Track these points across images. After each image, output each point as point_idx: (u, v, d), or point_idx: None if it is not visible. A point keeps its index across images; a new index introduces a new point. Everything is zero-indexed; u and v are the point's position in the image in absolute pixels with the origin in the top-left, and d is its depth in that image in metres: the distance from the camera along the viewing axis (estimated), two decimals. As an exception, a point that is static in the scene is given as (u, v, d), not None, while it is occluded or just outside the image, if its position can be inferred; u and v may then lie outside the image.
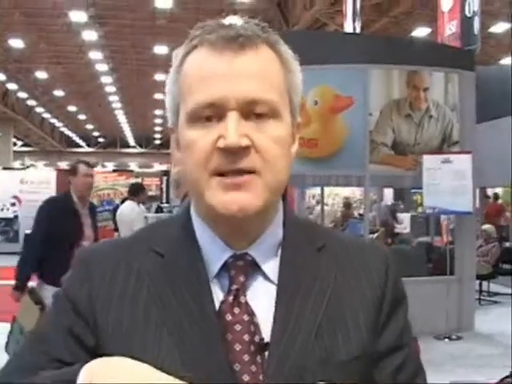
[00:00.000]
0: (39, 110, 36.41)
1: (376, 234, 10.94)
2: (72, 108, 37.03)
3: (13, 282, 5.63)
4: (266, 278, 1.11)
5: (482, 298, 11.23)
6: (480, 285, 11.28)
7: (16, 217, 20.22)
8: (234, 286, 1.09)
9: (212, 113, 1.03)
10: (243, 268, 1.10)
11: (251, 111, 1.04)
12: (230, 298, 1.08)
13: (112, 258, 1.15)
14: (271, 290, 1.10)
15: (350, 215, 15.52)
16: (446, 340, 8.36)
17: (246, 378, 1.03)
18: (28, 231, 18.11)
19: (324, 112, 8.44)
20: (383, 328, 1.13)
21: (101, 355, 1.03)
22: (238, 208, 1.02)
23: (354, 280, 1.14)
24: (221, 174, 1.03)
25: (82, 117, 39.77)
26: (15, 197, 20.31)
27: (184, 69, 1.09)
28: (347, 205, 16.03)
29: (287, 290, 1.09)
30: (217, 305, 1.07)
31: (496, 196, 16.28)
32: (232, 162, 1.02)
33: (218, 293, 1.09)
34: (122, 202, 11.25)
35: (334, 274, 1.13)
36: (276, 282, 1.11)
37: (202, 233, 1.14)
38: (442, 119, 8.78)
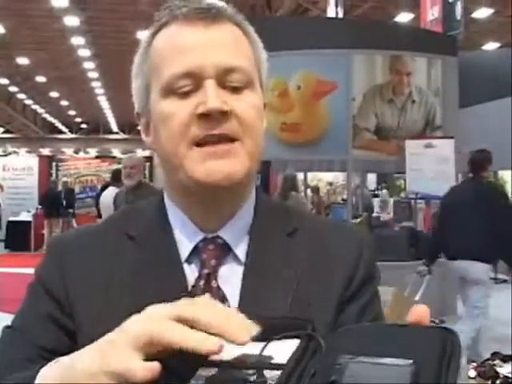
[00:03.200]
0: (21, 96, 36.08)
1: (359, 219, 10.94)
2: (54, 94, 36.74)
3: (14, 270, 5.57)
4: (238, 260, 1.09)
5: (464, 282, 11.28)
6: (462, 269, 11.34)
7: (-2, 204, 20.12)
8: (205, 271, 1.07)
9: (188, 83, 1.02)
10: (214, 252, 1.08)
11: (227, 81, 1.03)
12: (201, 283, 1.06)
13: (85, 244, 1.13)
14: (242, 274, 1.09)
15: (320, 201, 15.24)
16: (429, 324, 8.40)
17: None
18: (12, 218, 17.94)
19: (307, 97, 8.43)
20: (346, 304, 1.10)
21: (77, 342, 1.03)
22: (223, 175, 1.01)
23: (326, 263, 1.11)
24: (200, 145, 1.02)
25: (64, 103, 39.49)
26: (-3, 184, 20.23)
27: (154, 46, 1.08)
28: (315, 190, 15.73)
29: (254, 273, 1.08)
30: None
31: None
32: (212, 129, 1.00)
33: (189, 277, 1.07)
34: (103, 188, 11.19)
35: (305, 258, 1.10)
36: None
37: (175, 216, 1.12)
38: (424, 104, 8.80)
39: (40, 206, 17.91)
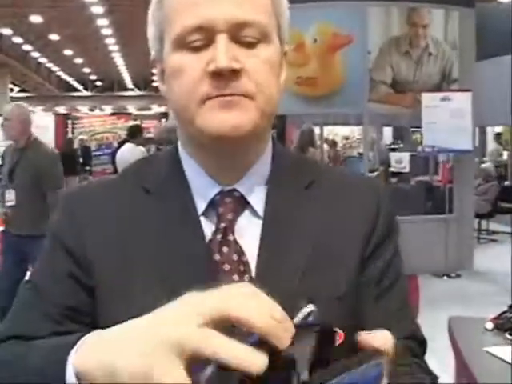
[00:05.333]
0: (35, 54, 36.00)
1: (376, 173, 10.93)
2: (68, 52, 36.60)
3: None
4: (256, 214, 1.09)
5: (480, 236, 11.32)
6: (479, 223, 11.36)
7: (15, 163, 20.17)
8: (222, 224, 1.06)
9: (200, 38, 0.99)
10: (231, 205, 1.08)
11: (240, 36, 1.00)
12: (218, 237, 1.05)
13: (99, 197, 1.13)
14: (260, 227, 1.08)
15: (338, 156, 15.14)
16: (445, 278, 8.44)
17: None
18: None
19: (323, 50, 8.36)
20: (368, 260, 1.10)
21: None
22: (231, 126, 0.99)
23: (343, 216, 1.10)
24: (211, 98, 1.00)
25: (78, 61, 39.35)
26: (14, 143, 20.28)
27: None
28: (332, 144, 15.59)
29: (272, 227, 1.07)
30: None
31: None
32: (223, 87, 0.98)
33: (205, 231, 1.06)
34: (120, 144, 11.18)
35: (323, 211, 1.10)
36: None
37: (190, 169, 1.11)
38: (441, 57, 8.70)
39: (56, 164, 17.95)
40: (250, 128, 1.01)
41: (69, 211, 1.11)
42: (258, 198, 1.09)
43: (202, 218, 1.08)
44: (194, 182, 1.10)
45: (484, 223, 11.69)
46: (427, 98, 8.35)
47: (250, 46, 1.01)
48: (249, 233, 1.07)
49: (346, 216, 1.11)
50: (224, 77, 0.98)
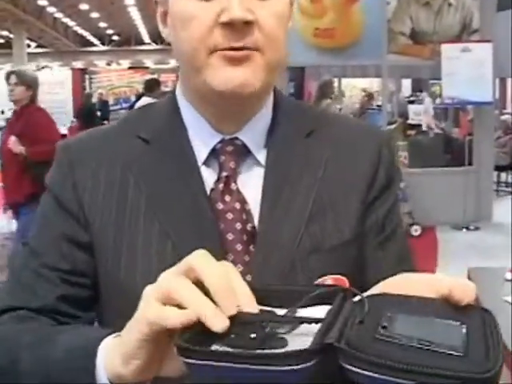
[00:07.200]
0: (51, 9, 35.80)
1: (394, 126, 10.86)
2: (84, 6, 36.41)
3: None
4: (258, 163, 1.08)
5: (499, 188, 11.26)
6: (498, 176, 11.29)
7: (34, 118, 20.25)
8: (224, 173, 1.05)
9: None
10: (233, 153, 1.06)
11: None
12: (221, 186, 1.04)
13: (95, 148, 1.10)
14: (263, 176, 1.07)
15: (368, 106, 15.15)
16: (464, 230, 8.42)
17: (239, 268, 0.99)
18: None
19: (341, 1, 8.26)
20: (370, 209, 1.09)
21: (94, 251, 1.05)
22: (238, 84, 0.97)
23: (345, 164, 1.09)
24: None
25: (94, 15, 39.16)
26: (32, 98, 20.32)
27: None
28: (369, 95, 15.59)
29: (274, 175, 1.06)
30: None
31: None
32: (235, 39, 0.95)
33: (207, 180, 1.05)
34: (137, 98, 11.18)
35: (324, 159, 1.08)
36: None
37: (190, 117, 1.09)
38: (461, 7, 8.57)
39: (75, 119, 18.00)
40: (257, 87, 0.99)
41: (64, 164, 1.09)
42: (259, 147, 1.08)
43: (204, 167, 1.06)
44: (194, 131, 1.08)
45: (503, 176, 11.63)
46: (447, 49, 8.25)
47: None
48: (251, 182, 1.06)
49: (347, 164, 1.10)
50: (236, 28, 0.95)
